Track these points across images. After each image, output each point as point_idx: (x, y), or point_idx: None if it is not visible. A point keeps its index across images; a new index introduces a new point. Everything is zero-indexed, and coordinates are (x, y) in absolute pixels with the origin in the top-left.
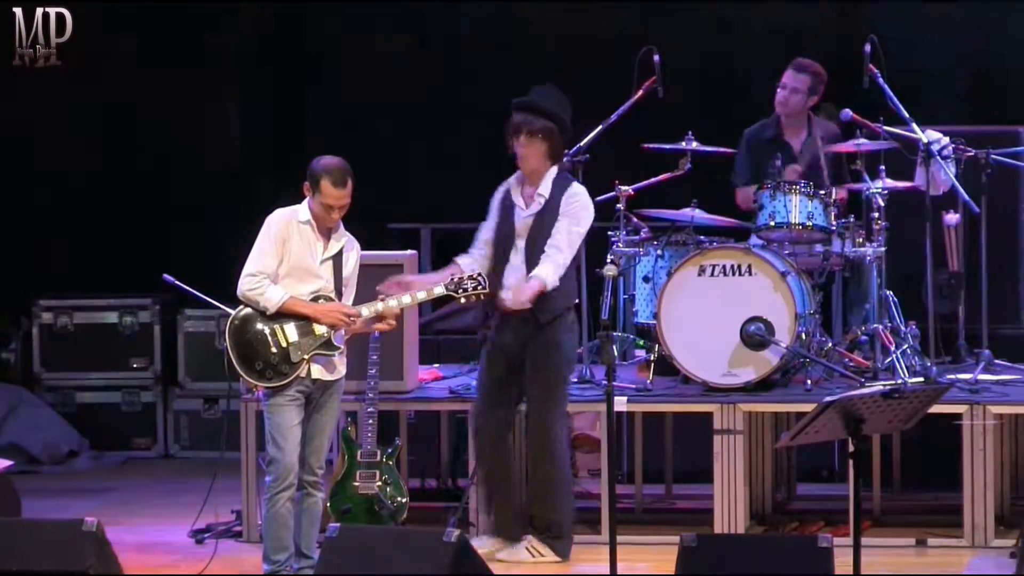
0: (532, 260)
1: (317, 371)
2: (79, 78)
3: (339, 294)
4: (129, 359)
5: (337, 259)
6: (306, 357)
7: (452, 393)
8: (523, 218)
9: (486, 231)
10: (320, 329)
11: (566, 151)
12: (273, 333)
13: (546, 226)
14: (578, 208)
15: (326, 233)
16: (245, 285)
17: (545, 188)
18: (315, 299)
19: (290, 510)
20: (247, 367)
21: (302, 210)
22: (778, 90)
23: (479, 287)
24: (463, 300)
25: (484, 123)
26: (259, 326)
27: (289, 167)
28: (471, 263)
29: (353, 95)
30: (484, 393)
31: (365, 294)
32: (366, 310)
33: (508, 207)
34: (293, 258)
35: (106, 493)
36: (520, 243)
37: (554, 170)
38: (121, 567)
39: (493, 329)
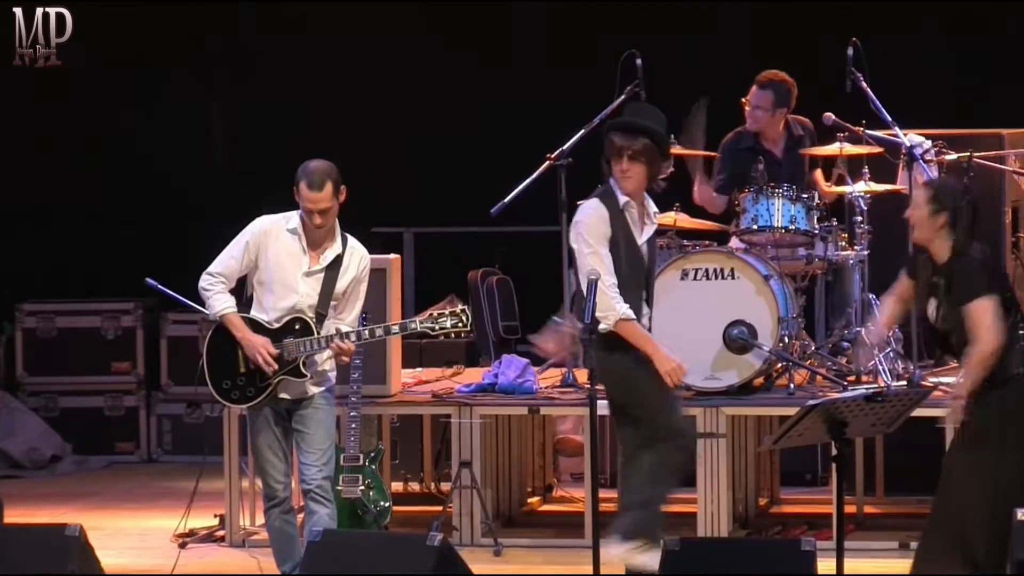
0: (651, 287)
1: (284, 394)
2: (60, 82)
3: (326, 310)
4: (111, 363)
5: (331, 271)
6: (272, 382)
7: (435, 397)
8: (640, 244)
9: (612, 271)
10: (291, 353)
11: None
12: (248, 356)
13: (655, 246)
14: None
15: (316, 243)
16: (202, 282)
17: (652, 207)
18: (290, 321)
19: (289, 522)
20: (215, 383)
21: (294, 217)
22: (748, 110)
23: (459, 324)
24: (441, 337)
25: (468, 126)
26: (232, 343)
27: (273, 170)
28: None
29: (338, 98)
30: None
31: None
32: (307, 344)
33: (626, 230)
34: (271, 269)
35: (89, 497)
36: (642, 274)
37: None
38: (104, 572)
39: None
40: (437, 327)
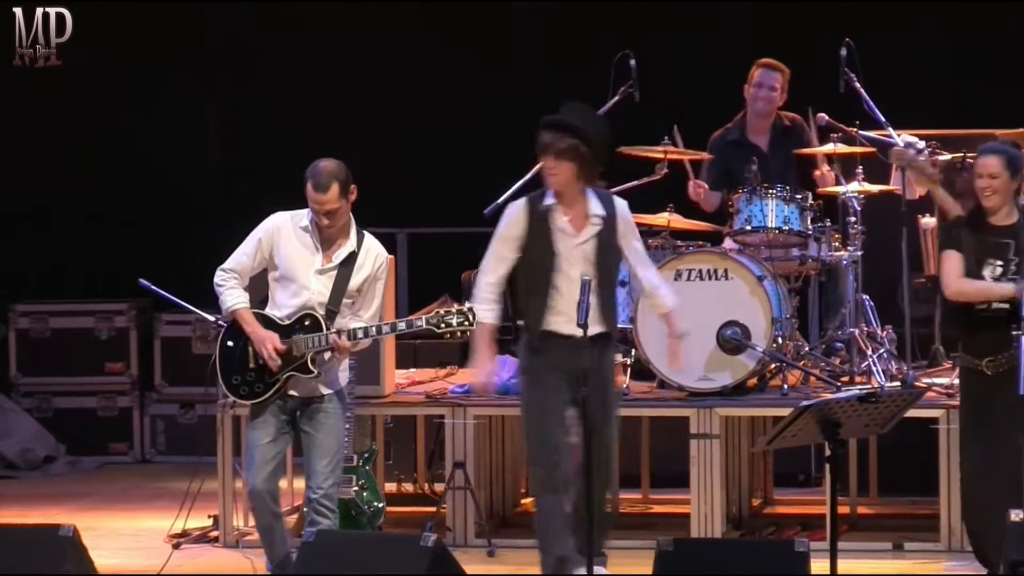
0: (604, 286)
1: (293, 391)
2: (60, 82)
3: (337, 307)
4: (105, 364)
5: (344, 268)
6: (281, 378)
7: (429, 397)
8: (576, 244)
9: (496, 271)
10: (299, 350)
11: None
12: (255, 350)
13: (607, 249)
14: (633, 223)
15: (329, 241)
16: (216, 278)
17: (595, 208)
18: (300, 317)
19: (272, 525)
20: (226, 379)
21: (306, 215)
22: (754, 90)
23: (465, 322)
24: (447, 336)
25: (461, 126)
26: (244, 339)
27: (272, 171)
28: (493, 314)
29: (337, 98)
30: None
31: None
32: (316, 340)
33: (545, 230)
34: (283, 266)
35: (82, 498)
36: (574, 271)
37: (590, 188)
38: (97, 572)
39: (546, 350)
40: (443, 325)
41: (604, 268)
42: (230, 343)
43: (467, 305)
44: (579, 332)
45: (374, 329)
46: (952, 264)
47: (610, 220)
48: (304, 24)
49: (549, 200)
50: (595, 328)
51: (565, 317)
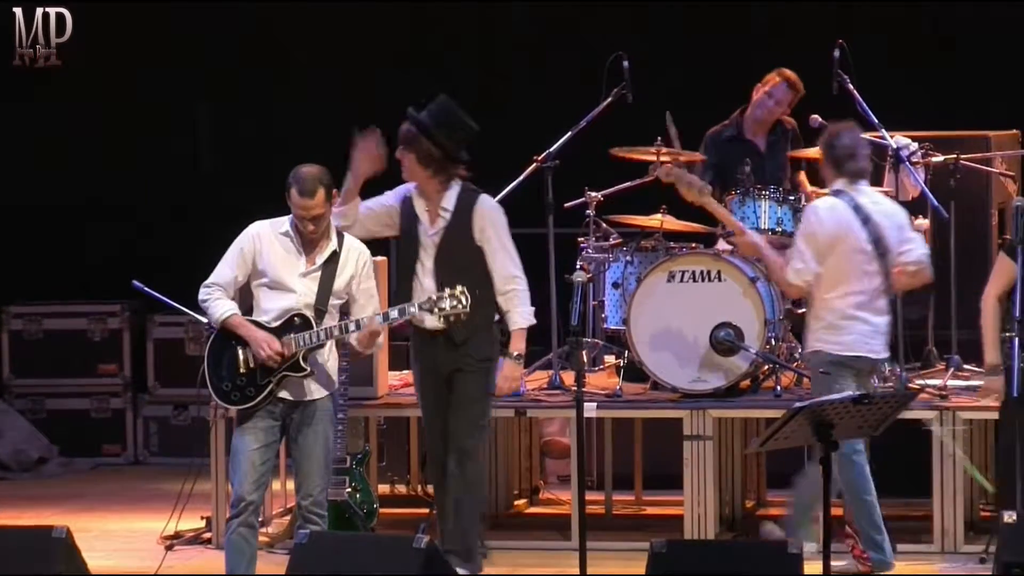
0: (444, 280)
1: (284, 394)
2: (60, 82)
3: (325, 306)
4: (98, 365)
5: (328, 268)
6: (272, 380)
7: None
8: (429, 235)
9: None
10: (290, 349)
11: (462, 165)
12: (245, 354)
13: (457, 244)
14: (499, 223)
15: (311, 244)
16: (200, 295)
17: (449, 202)
18: (290, 317)
19: (246, 538)
20: (215, 386)
21: (285, 222)
22: (764, 97)
23: (459, 305)
24: (440, 321)
25: None
26: (232, 345)
27: (262, 172)
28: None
29: (321, 97)
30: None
31: None
32: (307, 337)
33: (411, 219)
34: (269, 271)
35: (75, 499)
36: (428, 262)
37: (456, 184)
38: (90, 573)
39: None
40: (436, 310)
41: (451, 263)
42: (218, 350)
43: (459, 288)
44: (436, 324)
45: (365, 320)
46: (998, 276)
47: (462, 216)
48: (303, 24)
49: (413, 190)
50: (433, 322)
51: None
